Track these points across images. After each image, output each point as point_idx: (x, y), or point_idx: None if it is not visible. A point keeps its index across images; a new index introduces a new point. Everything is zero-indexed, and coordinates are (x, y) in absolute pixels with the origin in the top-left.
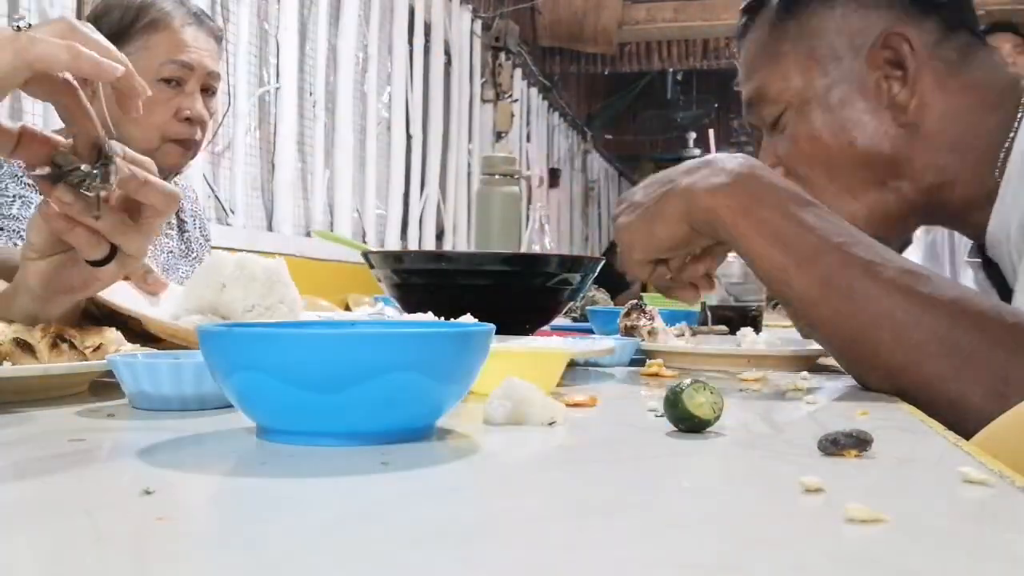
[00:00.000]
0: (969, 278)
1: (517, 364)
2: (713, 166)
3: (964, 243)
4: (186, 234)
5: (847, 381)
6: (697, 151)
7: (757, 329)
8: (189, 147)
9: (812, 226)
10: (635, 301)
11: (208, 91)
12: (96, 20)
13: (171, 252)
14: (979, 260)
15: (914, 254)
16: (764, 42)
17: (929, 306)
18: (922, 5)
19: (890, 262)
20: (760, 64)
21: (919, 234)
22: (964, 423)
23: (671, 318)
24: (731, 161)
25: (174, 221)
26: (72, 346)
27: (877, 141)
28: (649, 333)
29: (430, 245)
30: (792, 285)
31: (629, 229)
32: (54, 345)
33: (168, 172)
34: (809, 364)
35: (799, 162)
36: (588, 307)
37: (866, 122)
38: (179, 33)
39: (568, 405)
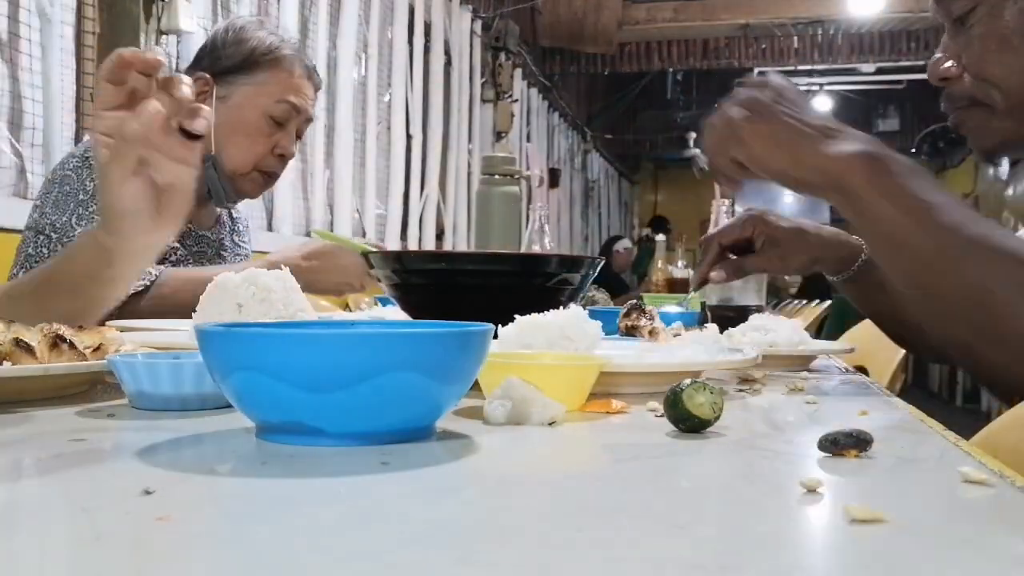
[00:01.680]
0: None
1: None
2: (848, 134)
3: None
4: (235, 235)
5: (847, 381)
6: (697, 151)
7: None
8: (272, 180)
9: (935, 198)
10: (635, 301)
11: (300, 135)
12: (224, 46)
13: (221, 243)
14: None
15: None
16: None
17: None
18: None
19: (1009, 234)
20: None
21: None
22: None
23: (668, 318)
24: (861, 136)
25: (225, 218)
26: (72, 346)
27: None
28: (650, 333)
29: (430, 245)
30: (913, 248)
31: (752, 130)
32: (54, 345)
33: (245, 197)
34: (809, 364)
35: (983, 64)
36: (588, 307)
37: None
38: (296, 78)
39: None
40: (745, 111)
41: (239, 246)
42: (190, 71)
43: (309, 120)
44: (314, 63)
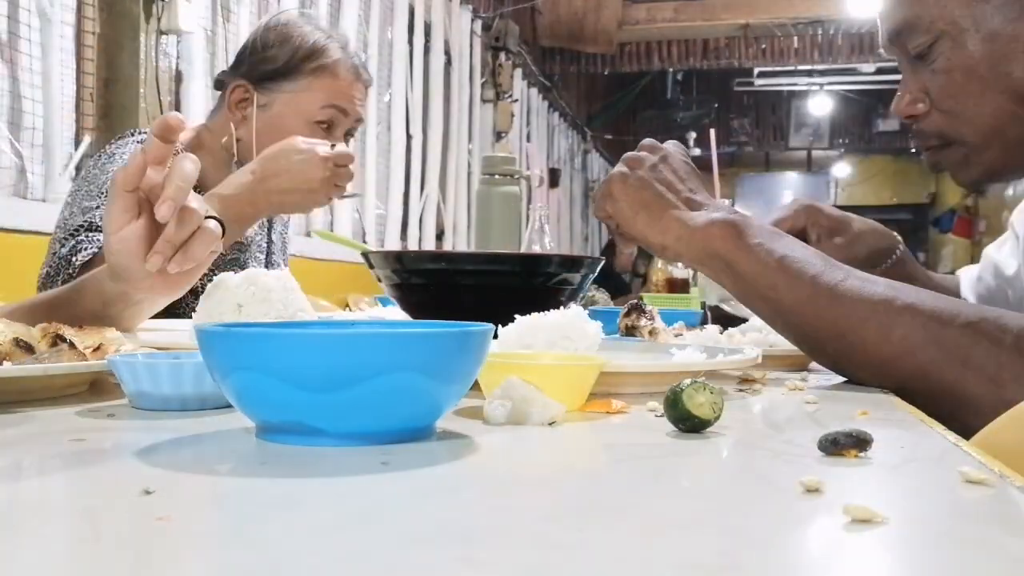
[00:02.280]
0: None
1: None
2: (709, 207)
3: None
4: (273, 232)
5: (847, 381)
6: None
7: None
8: None
9: (795, 251)
10: (635, 301)
11: (350, 136)
12: (265, 48)
13: (259, 245)
14: None
15: (970, 274)
16: None
17: (907, 305)
18: None
19: (868, 276)
20: None
21: (989, 251)
22: (964, 415)
23: (669, 318)
24: (722, 207)
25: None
26: (72, 346)
27: None
28: (650, 333)
29: (430, 245)
30: (783, 300)
31: (623, 194)
32: (53, 345)
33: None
34: (809, 364)
35: (949, 95)
36: (588, 307)
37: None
38: (342, 81)
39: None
40: (625, 169)
41: (283, 239)
42: (230, 76)
43: (359, 121)
44: (363, 60)
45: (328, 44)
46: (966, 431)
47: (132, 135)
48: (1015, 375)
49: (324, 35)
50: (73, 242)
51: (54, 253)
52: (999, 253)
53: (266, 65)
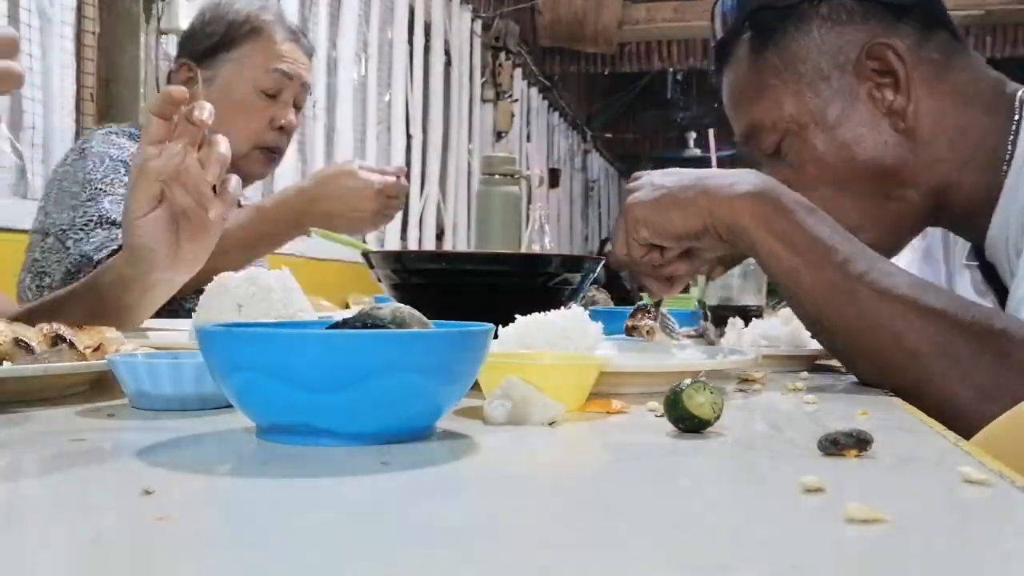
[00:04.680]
0: (966, 280)
1: (549, 378)
2: (738, 177)
3: (961, 247)
4: None
5: (847, 381)
6: (697, 151)
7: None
8: (276, 156)
9: (821, 235)
10: (641, 302)
11: (298, 105)
12: (201, 29)
13: None
14: (977, 263)
15: (905, 258)
16: (747, 77)
17: (925, 313)
18: (895, 11)
19: (890, 271)
20: (748, 98)
21: (914, 240)
22: (954, 423)
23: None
24: (751, 175)
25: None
26: (72, 346)
27: (879, 152)
28: (648, 332)
29: (430, 245)
30: (801, 286)
31: (644, 206)
32: (53, 345)
33: (253, 179)
34: (809, 364)
35: (804, 185)
36: (588, 307)
37: (865, 134)
38: (279, 44)
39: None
40: (637, 193)
41: None
42: (175, 62)
43: (305, 86)
44: (300, 27)
45: (261, 12)
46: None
47: (104, 131)
48: (1010, 390)
49: (257, 5)
50: (90, 237)
51: (32, 259)
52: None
53: (205, 41)
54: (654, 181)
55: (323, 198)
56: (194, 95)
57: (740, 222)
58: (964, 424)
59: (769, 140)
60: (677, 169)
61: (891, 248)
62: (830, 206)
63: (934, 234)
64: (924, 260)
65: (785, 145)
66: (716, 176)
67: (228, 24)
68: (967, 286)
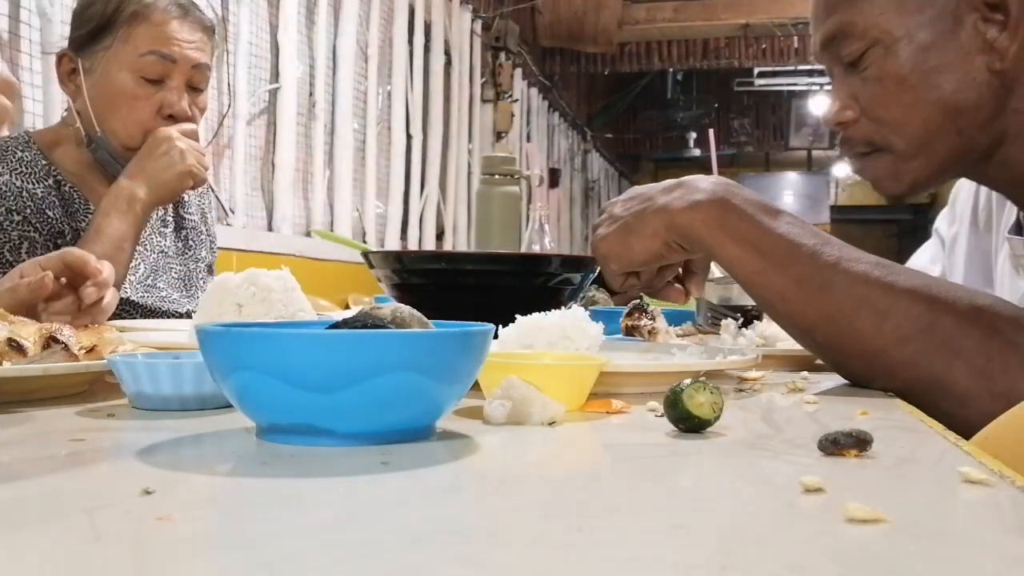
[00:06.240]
0: (1005, 253)
1: (548, 378)
2: (688, 186)
3: (1005, 219)
4: (183, 231)
5: (847, 381)
6: (697, 151)
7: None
8: None
9: (784, 232)
10: (637, 301)
11: (195, 87)
12: (81, 12)
13: (163, 252)
14: (1021, 237)
15: (928, 253)
16: None
17: (903, 292)
18: None
19: (861, 257)
20: None
21: (942, 228)
22: (950, 405)
23: (676, 318)
24: (704, 181)
25: (169, 218)
26: (66, 347)
27: (965, 87)
28: (649, 333)
29: (430, 245)
30: (771, 286)
31: (607, 241)
32: (46, 346)
33: None
34: (809, 364)
35: (880, 104)
36: (588, 307)
37: (957, 65)
38: (161, 25)
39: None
40: (599, 230)
41: (184, 218)
42: (58, 54)
43: (198, 67)
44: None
45: None
46: (953, 421)
47: None
48: (1004, 367)
49: None
50: None
51: None
52: (919, 259)
53: (83, 28)
54: (613, 213)
55: (136, 166)
56: (78, 87)
57: (695, 232)
58: (957, 402)
59: (853, 48)
60: (635, 190)
61: (935, 182)
62: (895, 124)
63: (986, 200)
64: (972, 230)
65: (868, 56)
66: (669, 190)
67: (104, 5)
68: (1005, 258)
